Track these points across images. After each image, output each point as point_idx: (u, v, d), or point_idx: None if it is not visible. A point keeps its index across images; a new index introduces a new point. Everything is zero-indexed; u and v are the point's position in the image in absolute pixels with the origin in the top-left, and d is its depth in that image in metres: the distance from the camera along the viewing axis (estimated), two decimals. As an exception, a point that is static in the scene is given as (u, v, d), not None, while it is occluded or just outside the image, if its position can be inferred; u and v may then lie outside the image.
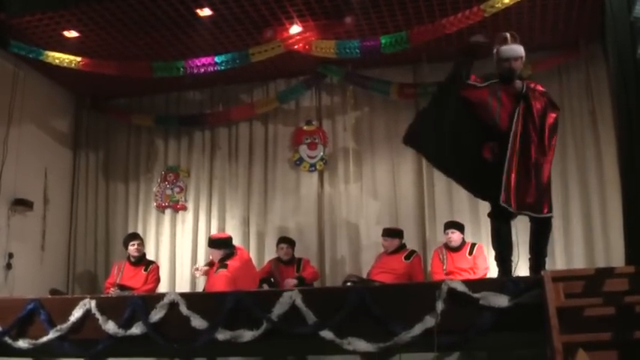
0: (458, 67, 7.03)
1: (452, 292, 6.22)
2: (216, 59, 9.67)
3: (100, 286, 10.83)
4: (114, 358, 7.17)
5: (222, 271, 8.52)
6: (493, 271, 9.26)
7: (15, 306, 7.50)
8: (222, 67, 9.72)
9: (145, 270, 9.66)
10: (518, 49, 6.87)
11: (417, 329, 6.19)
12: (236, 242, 9.56)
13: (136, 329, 6.96)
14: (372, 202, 10.91)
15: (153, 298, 7.20)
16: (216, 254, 8.93)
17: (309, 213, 11.07)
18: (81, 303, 7.23)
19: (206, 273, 9.21)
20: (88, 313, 7.16)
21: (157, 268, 9.95)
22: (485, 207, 10.32)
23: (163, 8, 9.17)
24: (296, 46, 9.60)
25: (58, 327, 7.18)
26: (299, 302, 6.57)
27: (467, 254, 9.19)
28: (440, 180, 10.53)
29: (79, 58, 9.75)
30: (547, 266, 6.86)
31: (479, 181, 6.88)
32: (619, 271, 6.00)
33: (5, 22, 9.44)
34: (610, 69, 8.37)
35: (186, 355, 6.95)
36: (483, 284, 6.43)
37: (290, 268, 9.80)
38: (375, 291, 6.83)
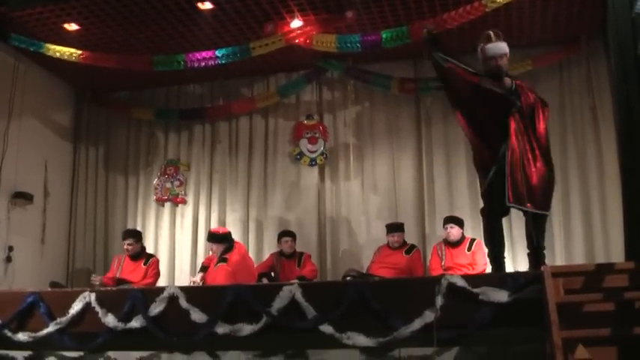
0: (433, 61, 7.15)
1: (451, 287, 6.23)
2: (217, 53, 9.67)
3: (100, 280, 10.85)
4: (113, 352, 7.18)
5: (223, 265, 8.53)
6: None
7: (15, 299, 7.52)
8: (223, 61, 9.71)
9: (145, 264, 9.63)
10: (502, 46, 6.95)
11: (417, 324, 6.20)
12: (236, 236, 9.58)
13: (136, 322, 6.98)
14: (372, 197, 10.92)
15: (152, 292, 7.21)
16: (217, 249, 8.94)
17: (310, 207, 11.06)
18: (81, 296, 7.24)
19: (203, 278, 9.15)
20: (87, 307, 7.18)
21: (157, 261, 9.92)
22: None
23: (164, 1, 9.16)
24: (297, 40, 9.60)
25: (58, 320, 7.20)
26: (299, 296, 6.58)
27: (466, 250, 9.19)
28: (440, 175, 10.57)
29: (79, 52, 9.73)
30: (547, 262, 6.87)
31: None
32: (619, 267, 6.01)
33: (6, 15, 9.42)
34: (611, 65, 8.36)
35: (186, 348, 6.95)
36: (483, 279, 6.46)
37: (292, 262, 9.80)
38: (375, 286, 6.83)
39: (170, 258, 11.33)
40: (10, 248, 10.04)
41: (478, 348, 6.27)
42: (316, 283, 9.11)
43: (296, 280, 9.02)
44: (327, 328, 6.42)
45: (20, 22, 9.61)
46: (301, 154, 11.19)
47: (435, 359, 6.33)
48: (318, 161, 11.11)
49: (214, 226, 10.89)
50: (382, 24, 9.62)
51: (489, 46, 6.94)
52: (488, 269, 8.88)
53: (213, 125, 11.77)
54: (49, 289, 8.70)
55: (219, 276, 8.40)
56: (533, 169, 6.69)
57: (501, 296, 6.09)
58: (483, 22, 8.91)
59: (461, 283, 6.23)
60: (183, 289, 7.11)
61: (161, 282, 10.18)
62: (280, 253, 9.94)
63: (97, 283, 9.23)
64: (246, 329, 6.64)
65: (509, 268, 9.60)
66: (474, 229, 9.83)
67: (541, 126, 6.85)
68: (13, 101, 10.16)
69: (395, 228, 9.65)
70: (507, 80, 6.84)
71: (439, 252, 9.29)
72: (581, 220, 10.00)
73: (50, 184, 11.17)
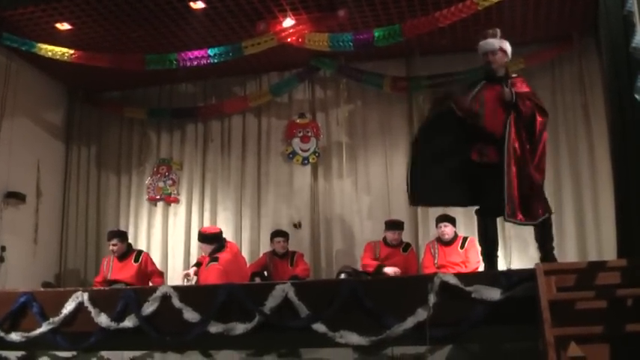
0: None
1: (444, 285, 6.24)
2: (210, 52, 9.66)
3: (91, 280, 10.83)
4: (106, 351, 7.17)
5: (214, 264, 8.51)
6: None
7: (7, 299, 7.52)
8: (216, 60, 9.70)
9: (135, 261, 9.46)
10: (492, 42, 7.01)
11: (410, 322, 6.21)
12: (228, 235, 9.55)
13: (129, 322, 6.98)
14: (365, 196, 10.92)
15: (145, 291, 7.21)
16: (207, 248, 8.91)
17: (303, 206, 11.06)
18: (73, 296, 7.25)
19: (197, 272, 9.12)
20: (80, 306, 7.18)
21: (148, 255, 9.79)
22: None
23: (156, 0, 9.16)
24: (289, 39, 9.60)
25: (51, 320, 7.20)
26: (291, 295, 6.59)
27: (458, 248, 9.19)
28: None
29: (71, 51, 9.72)
30: (538, 260, 6.87)
31: (473, 188, 6.97)
32: (611, 265, 6.01)
33: (-2, 14, 9.42)
34: (603, 62, 8.38)
35: (179, 347, 6.95)
36: (476, 277, 6.46)
37: (284, 261, 9.79)
38: (368, 284, 6.84)
39: (163, 257, 11.30)
40: (3, 248, 10.00)
41: (471, 346, 6.28)
42: (309, 281, 9.10)
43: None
44: (320, 327, 6.42)
45: (12, 21, 9.59)
46: (294, 152, 11.19)
47: (428, 357, 6.34)
48: (310, 160, 11.11)
49: (207, 225, 10.88)
50: (374, 22, 9.62)
51: (481, 43, 7.05)
52: (481, 267, 8.94)
53: (206, 124, 11.77)
54: (42, 289, 8.69)
55: (211, 275, 8.38)
56: (527, 176, 6.71)
57: (494, 294, 6.11)
58: (475, 21, 8.94)
59: (453, 281, 6.25)
60: (176, 288, 7.12)
61: (154, 281, 10.17)
62: (273, 253, 9.93)
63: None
64: (239, 328, 6.65)
65: (501, 266, 9.66)
66: (467, 227, 9.84)
67: (537, 134, 6.86)
68: (6, 101, 10.15)
69: (396, 226, 9.62)
70: (507, 93, 6.83)
71: (432, 250, 9.29)
72: (573, 217, 10.02)
73: (43, 184, 11.15)
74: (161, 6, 9.30)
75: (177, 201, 11.62)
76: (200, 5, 9.28)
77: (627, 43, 6.74)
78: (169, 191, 11.61)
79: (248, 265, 9.71)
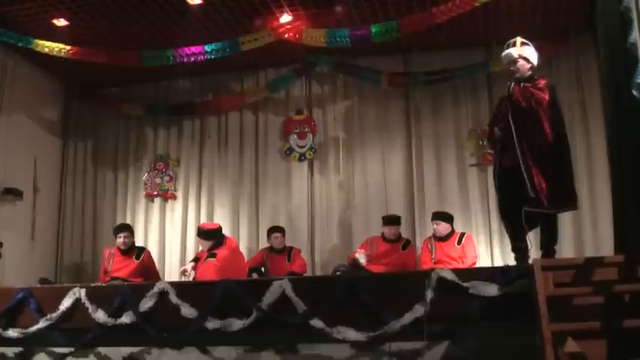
0: None
1: (442, 281, 6.23)
2: (206, 48, 9.65)
3: (88, 275, 10.84)
4: (104, 347, 7.16)
5: (211, 260, 8.49)
6: (482, 261, 9.33)
7: (4, 295, 7.48)
8: (212, 56, 9.70)
9: (137, 258, 9.46)
10: (511, 53, 7.05)
11: (407, 318, 6.19)
12: (226, 231, 9.53)
13: (126, 318, 6.95)
14: (362, 192, 10.93)
15: (142, 287, 7.19)
16: (206, 244, 8.90)
17: (300, 202, 11.07)
18: (70, 292, 7.21)
19: (194, 268, 9.12)
20: (77, 302, 7.15)
21: (150, 253, 9.80)
22: (474, 198, 10.39)
23: (153, -4, 9.16)
24: (286, 35, 9.59)
25: (48, 316, 7.17)
26: (289, 291, 6.57)
27: (455, 243, 9.19)
28: (430, 169, 10.59)
29: (68, 47, 9.71)
30: (536, 256, 6.87)
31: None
32: (608, 261, 6.00)
33: (-6, 10, 9.40)
34: (600, 59, 8.37)
35: (176, 343, 6.94)
36: (473, 273, 6.45)
37: (282, 257, 9.81)
38: (365, 280, 6.83)
39: (160, 253, 11.31)
40: (0, 244, 10.00)
41: (468, 342, 6.27)
42: (306, 277, 9.11)
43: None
44: (317, 323, 6.40)
45: (8, 17, 9.56)
46: (291, 149, 11.21)
47: (425, 353, 6.32)
48: (307, 156, 11.14)
49: (204, 221, 10.88)
50: (372, 18, 9.60)
51: (502, 55, 7.17)
52: (479, 262, 8.96)
53: (203, 120, 11.78)
54: (39, 286, 8.68)
55: (208, 271, 8.36)
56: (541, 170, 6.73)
57: (491, 290, 6.10)
58: (473, 16, 8.92)
59: (451, 277, 6.23)
60: (173, 284, 7.10)
61: (151, 277, 10.16)
62: (270, 249, 9.94)
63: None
64: (237, 324, 6.63)
65: (497, 262, 9.68)
66: (465, 224, 9.85)
67: (546, 126, 6.87)
68: (2, 97, 10.16)
69: (393, 221, 9.62)
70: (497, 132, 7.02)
71: (429, 246, 9.29)
72: (570, 213, 9.97)
73: (39, 180, 11.15)
74: (158, 2, 9.30)
75: (174, 197, 11.63)
76: (197, 1, 9.28)
77: (624, 39, 6.73)
78: (166, 187, 11.62)
79: (246, 260, 9.70)
